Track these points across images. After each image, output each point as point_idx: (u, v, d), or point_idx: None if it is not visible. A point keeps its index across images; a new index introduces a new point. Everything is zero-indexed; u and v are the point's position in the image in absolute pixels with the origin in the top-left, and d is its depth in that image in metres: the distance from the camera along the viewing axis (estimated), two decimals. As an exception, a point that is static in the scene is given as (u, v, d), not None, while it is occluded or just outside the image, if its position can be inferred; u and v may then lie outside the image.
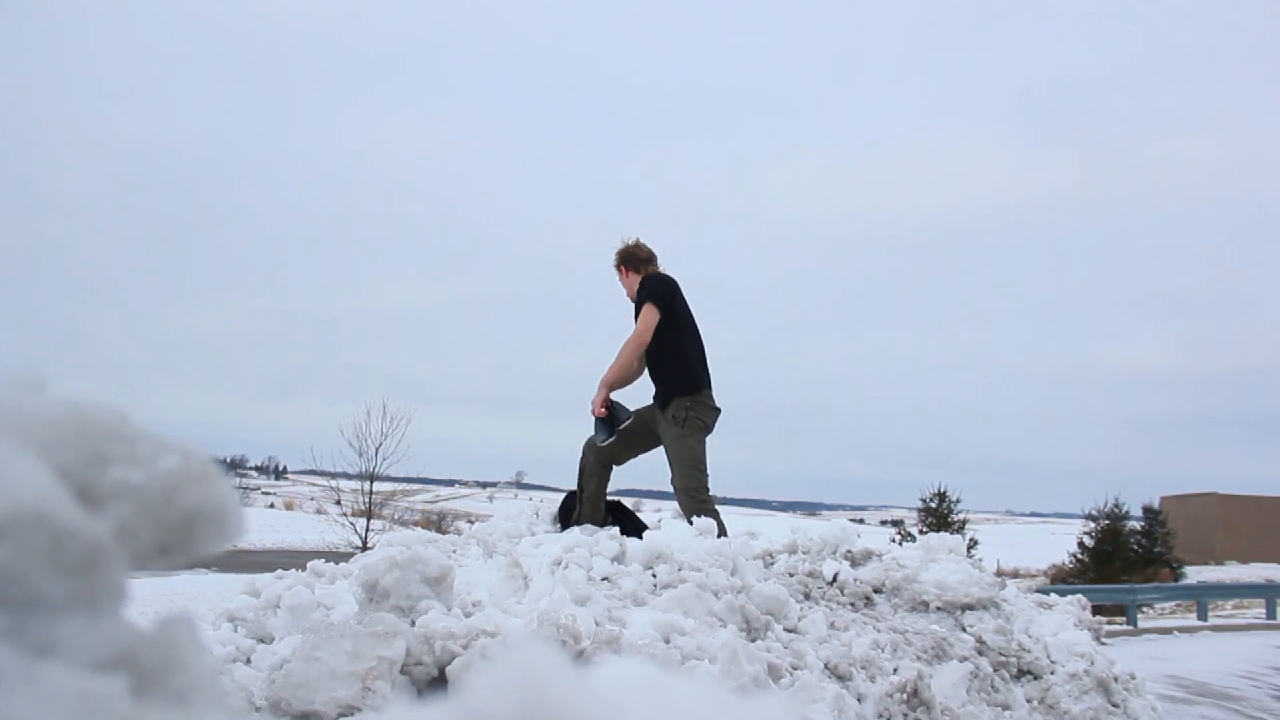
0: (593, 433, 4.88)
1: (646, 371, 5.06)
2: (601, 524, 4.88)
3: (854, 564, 4.63)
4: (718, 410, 4.93)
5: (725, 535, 4.56)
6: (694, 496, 4.70)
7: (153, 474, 0.50)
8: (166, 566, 0.51)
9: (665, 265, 5.14)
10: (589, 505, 4.93)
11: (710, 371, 4.99)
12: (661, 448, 4.96)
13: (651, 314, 4.75)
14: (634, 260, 5.05)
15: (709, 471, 4.83)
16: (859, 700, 3.32)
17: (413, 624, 3.02)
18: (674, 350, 4.84)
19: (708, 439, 4.91)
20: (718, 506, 4.80)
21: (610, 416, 4.79)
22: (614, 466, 5.05)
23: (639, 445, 5.02)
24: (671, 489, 4.88)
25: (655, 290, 4.81)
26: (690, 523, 4.55)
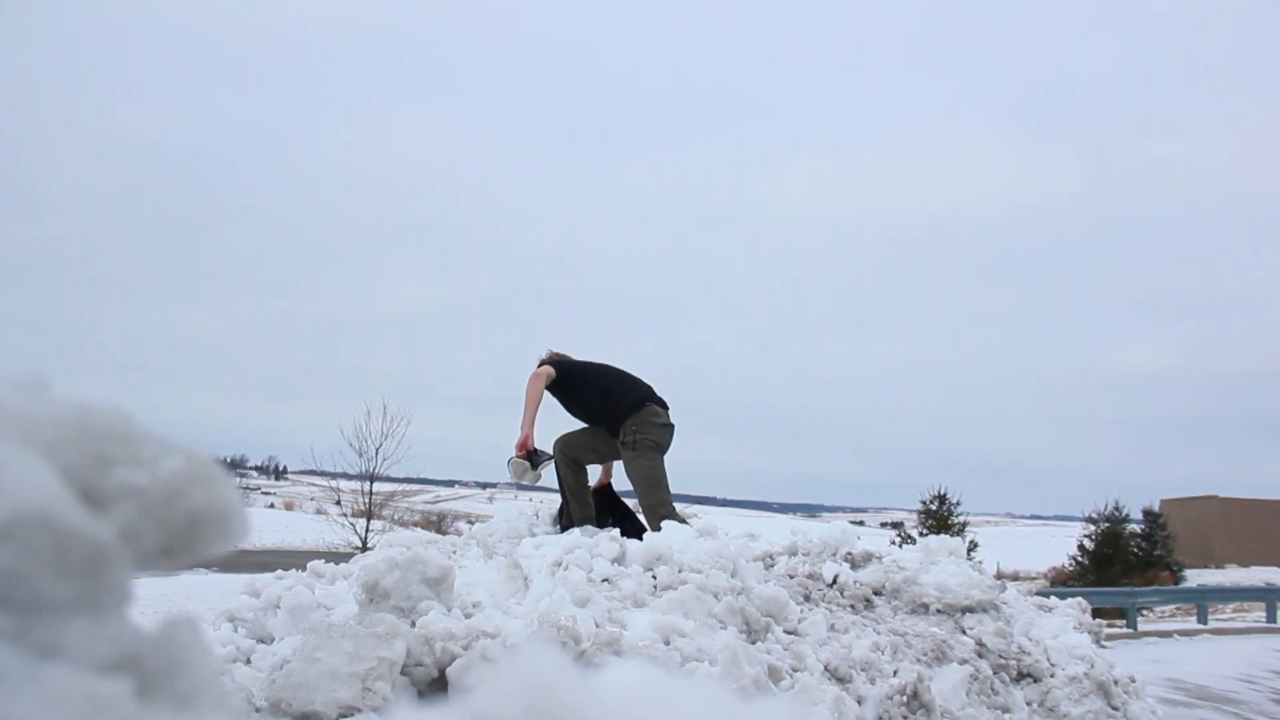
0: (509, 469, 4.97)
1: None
2: (595, 519, 4.91)
3: (854, 566, 4.63)
4: (669, 426, 5.03)
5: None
6: (655, 514, 4.81)
7: (157, 476, 0.50)
8: (170, 568, 0.51)
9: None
10: (576, 502, 4.98)
11: (652, 388, 5.11)
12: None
13: (540, 367, 5.01)
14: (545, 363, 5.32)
15: (669, 485, 4.94)
16: (859, 703, 3.32)
17: (413, 625, 3.02)
18: (596, 391, 5.04)
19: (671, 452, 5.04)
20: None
21: (529, 457, 4.91)
22: (585, 464, 5.13)
23: (604, 452, 5.14)
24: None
25: (543, 359, 5.12)
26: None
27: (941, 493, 27.26)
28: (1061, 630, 4.57)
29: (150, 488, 0.49)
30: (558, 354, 5.36)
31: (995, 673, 3.98)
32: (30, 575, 0.43)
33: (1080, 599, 5.24)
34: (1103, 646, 4.77)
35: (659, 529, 4.57)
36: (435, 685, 2.92)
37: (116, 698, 0.43)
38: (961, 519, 27.44)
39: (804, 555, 4.72)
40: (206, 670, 0.48)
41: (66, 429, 0.49)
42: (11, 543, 0.43)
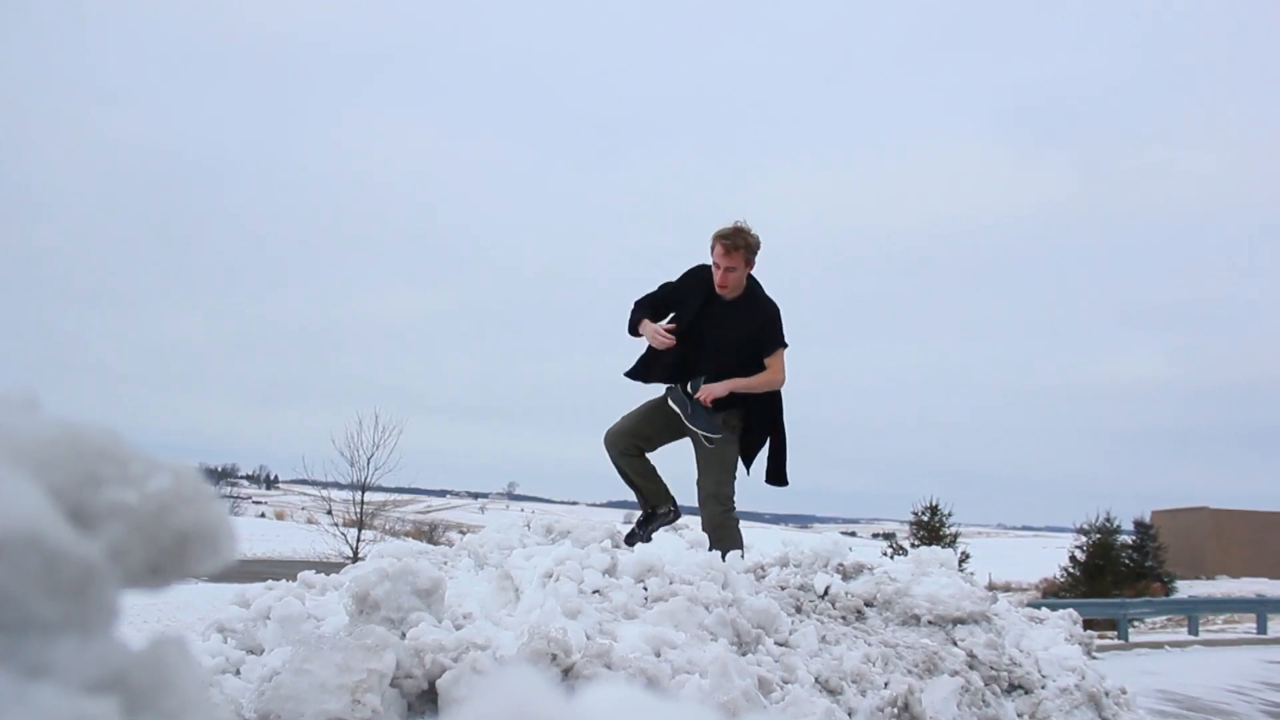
0: (691, 422, 4.77)
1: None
2: (668, 497, 4.90)
3: (845, 577, 4.63)
4: None
5: (741, 547, 4.61)
6: (725, 504, 4.74)
7: (145, 494, 0.50)
8: (158, 586, 0.51)
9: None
10: (652, 485, 4.91)
11: None
12: (678, 442, 4.95)
13: (783, 362, 4.91)
14: (754, 255, 4.97)
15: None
16: (850, 714, 3.32)
17: (403, 636, 3.01)
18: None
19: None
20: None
21: (709, 410, 4.75)
22: (646, 451, 5.00)
23: (669, 433, 4.96)
24: (696, 489, 4.83)
25: (781, 332, 4.94)
26: (708, 528, 4.63)
27: (933, 504, 27.40)
28: (1053, 642, 4.58)
29: (139, 506, 0.50)
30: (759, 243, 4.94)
31: (986, 684, 3.98)
32: (18, 595, 0.43)
33: (1071, 610, 5.26)
34: (1094, 658, 4.79)
35: (717, 517, 4.65)
36: (425, 697, 2.91)
37: (104, 717, 0.43)
38: (953, 530, 27.57)
39: (795, 566, 4.72)
40: (194, 688, 0.48)
41: (56, 448, 0.49)
42: (0, 562, 0.43)
